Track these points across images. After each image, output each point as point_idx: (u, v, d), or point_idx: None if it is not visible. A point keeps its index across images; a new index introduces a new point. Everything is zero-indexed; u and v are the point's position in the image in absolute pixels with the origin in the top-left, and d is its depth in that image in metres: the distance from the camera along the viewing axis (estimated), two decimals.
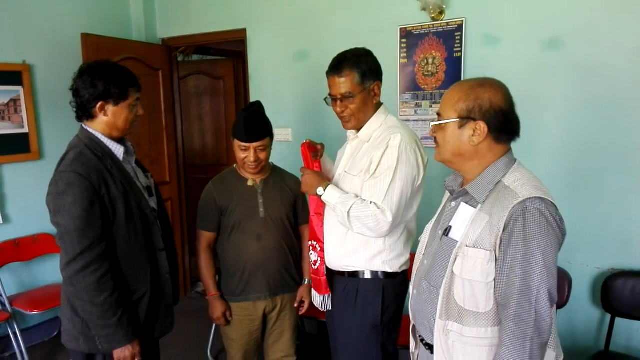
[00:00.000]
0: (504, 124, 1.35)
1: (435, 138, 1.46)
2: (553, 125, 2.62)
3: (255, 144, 2.16)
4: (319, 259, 2.05)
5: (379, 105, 1.98)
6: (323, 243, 2.04)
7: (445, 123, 1.40)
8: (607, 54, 2.45)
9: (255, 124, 2.17)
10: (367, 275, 1.95)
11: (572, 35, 2.52)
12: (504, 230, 1.29)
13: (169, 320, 2.01)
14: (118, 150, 1.84)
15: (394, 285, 1.96)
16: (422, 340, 1.55)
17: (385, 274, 1.94)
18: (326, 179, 2.02)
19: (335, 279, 2.04)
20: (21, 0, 3.37)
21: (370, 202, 1.80)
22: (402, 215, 1.87)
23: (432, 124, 1.44)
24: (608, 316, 2.55)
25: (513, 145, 1.44)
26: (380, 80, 1.93)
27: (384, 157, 1.83)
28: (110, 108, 1.79)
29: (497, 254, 1.31)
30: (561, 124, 2.61)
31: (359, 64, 1.87)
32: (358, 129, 1.99)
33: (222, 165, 4.90)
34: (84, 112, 1.80)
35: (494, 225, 1.31)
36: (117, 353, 1.76)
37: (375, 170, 1.84)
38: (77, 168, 1.69)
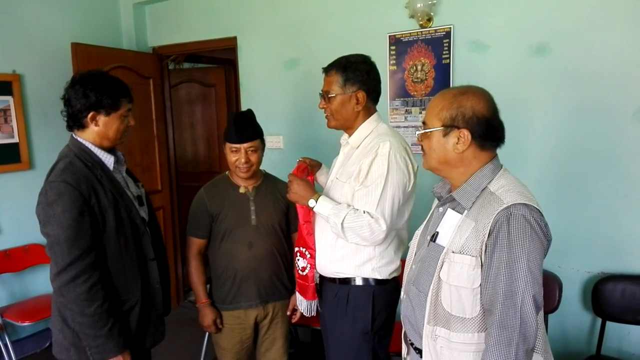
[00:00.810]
0: (487, 131, 1.37)
1: (422, 146, 1.47)
2: (541, 130, 2.64)
3: (245, 145, 2.17)
4: (309, 265, 2.05)
5: (371, 112, 1.99)
6: (313, 250, 2.03)
7: (430, 132, 1.42)
8: (594, 59, 2.48)
9: (246, 125, 2.19)
10: (358, 282, 1.95)
11: (559, 42, 2.55)
12: (489, 237, 1.30)
13: (160, 330, 2.00)
14: (108, 159, 1.84)
15: (385, 292, 1.96)
16: (412, 345, 1.55)
17: (376, 280, 1.94)
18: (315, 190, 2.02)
19: (326, 286, 2.04)
20: (11, 10, 3.37)
21: (364, 212, 1.80)
22: (395, 222, 1.88)
23: (417, 132, 1.47)
24: (599, 320, 2.56)
25: (502, 150, 1.45)
26: (367, 90, 1.93)
27: (373, 165, 1.84)
28: (101, 118, 1.79)
29: (483, 260, 1.31)
30: (549, 130, 2.63)
31: (346, 70, 1.92)
32: (349, 134, 2.01)
33: (214, 172, 4.88)
34: (75, 122, 1.80)
35: (479, 231, 1.32)
36: None
37: (366, 178, 1.84)
38: (67, 178, 1.68)
